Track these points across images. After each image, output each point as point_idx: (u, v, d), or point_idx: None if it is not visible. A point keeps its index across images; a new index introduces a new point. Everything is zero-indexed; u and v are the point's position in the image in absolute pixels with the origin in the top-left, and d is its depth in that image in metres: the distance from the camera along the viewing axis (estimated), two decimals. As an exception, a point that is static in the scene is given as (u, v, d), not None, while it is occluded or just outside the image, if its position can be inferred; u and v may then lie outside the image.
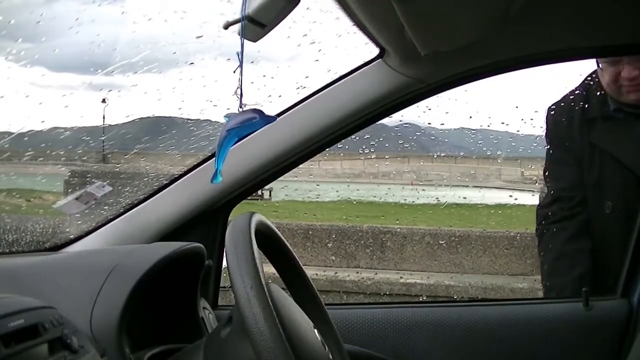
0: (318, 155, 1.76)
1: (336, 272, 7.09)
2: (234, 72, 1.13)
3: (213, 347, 1.15)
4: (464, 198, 9.91)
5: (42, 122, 2.80)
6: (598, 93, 2.13)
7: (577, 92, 2.20)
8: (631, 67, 1.99)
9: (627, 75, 2.00)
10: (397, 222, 8.11)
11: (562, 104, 2.21)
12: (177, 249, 1.38)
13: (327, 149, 1.76)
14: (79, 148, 3.46)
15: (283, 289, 1.24)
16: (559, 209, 2.17)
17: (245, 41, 1.16)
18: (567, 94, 2.22)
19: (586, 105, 2.15)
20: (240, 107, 1.13)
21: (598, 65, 2.09)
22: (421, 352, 1.75)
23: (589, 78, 2.17)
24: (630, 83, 2.02)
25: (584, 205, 2.15)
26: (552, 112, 2.23)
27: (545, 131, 2.26)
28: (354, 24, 1.40)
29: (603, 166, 2.11)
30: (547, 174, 2.30)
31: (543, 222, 2.22)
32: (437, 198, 9.69)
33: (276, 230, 1.26)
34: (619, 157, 2.09)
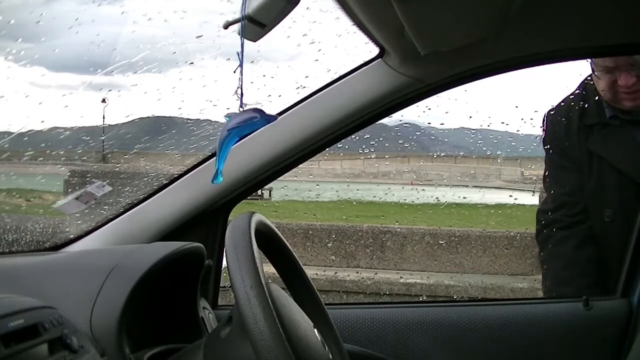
0: (318, 155, 1.76)
1: (336, 272, 7.09)
2: (234, 72, 1.13)
3: (213, 347, 1.15)
4: (464, 198, 9.92)
5: (42, 122, 2.79)
6: (595, 99, 2.11)
7: (575, 97, 2.17)
8: (628, 75, 1.97)
9: (624, 83, 1.98)
10: (397, 223, 8.11)
11: (561, 110, 2.19)
12: (177, 249, 1.38)
13: (327, 149, 1.76)
14: (79, 148, 3.45)
15: (283, 289, 1.24)
16: (564, 215, 2.14)
17: (245, 41, 1.16)
18: (565, 99, 2.20)
19: (584, 111, 2.13)
20: (241, 106, 1.13)
21: (593, 72, 2.07)
22: (421, 352, 1.75)
23: (587, 83, 2.15)
24: (627, 90, 2.00)
25: (587, 212, 2.13)
26: (551, 118, 2.20)
27: (543, 136, 2.24)
28: (354, 24, 1.40)
29: (602, 173, 2.09)
30: (547, 178, 2.27)
31: (546, 227, 2.19)
32: (437, 198, 9.71)
33: (276, 230, 1.26)
34: (616, 164, 2.06)
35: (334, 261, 7.57)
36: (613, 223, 2.06)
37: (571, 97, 2.19)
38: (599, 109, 2.11)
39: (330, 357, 1.18)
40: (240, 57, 1.14)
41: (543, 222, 2.20)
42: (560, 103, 2.21)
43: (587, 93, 2.14)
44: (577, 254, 2.11)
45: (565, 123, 2.16)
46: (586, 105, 2.13)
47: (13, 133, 2.51)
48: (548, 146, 2.22)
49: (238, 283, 0.98)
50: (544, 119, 2.23)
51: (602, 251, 2.10)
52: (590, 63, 2.06)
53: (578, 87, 2.18)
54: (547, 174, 2.27)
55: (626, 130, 2.08)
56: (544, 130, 2.23)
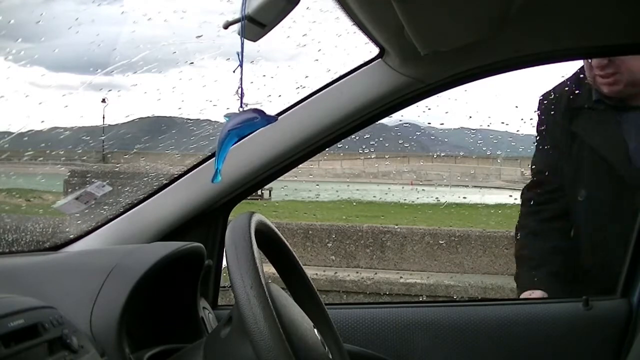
0: (318, 155, 1.76)
1: (336, 272, 7.09)
2: (234, 72, 1.13)
3: (213, 347, 1.15)
4: (464, 198, 9.92)
5: (42, 122, 2.80)
6: (586, 82, 2.15)
7: (567, 82, 2.22)
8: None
9: (596, 64, 2.01)
10: (397, 225, 8.11)
11: (553, 92, 2.24)
12: (177, 249, 1.38)
13: (327, 149, 1.76)
14: (79, 148, 3.46)
15: (283, 289, 1.24)
16: (538, 193, 2.23)
17: (245, 41, 1.16)
18: (559, 83, 2.25)
19: (574, 94, 2.17)
20: (241, 106, 1.13)
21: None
22: (421, 352, 1.75)
23: (580, 70, 2.19)
24: (601, 72, 2.03)
25: (562, 192, 2.20)
26: (543, 100, 2.25)
27: (537, 119, 2.29)
28: (354, 24, 1.40)
29: (581, 155, 2.14)
30: (533, 160, 2.34)
31: (524, 205, 2.27)
32: (437, 198, 9.71)
33: (276, 230, 1.26)
34: (596, 148, 2.11)
35: (334, 261, 7.57)
36: (586, 202, 2.12)
37: (564, 82, 2.23)
38: (588, 94, 2.15)
39: (330, 357, 1.18)
40: (240, 57, 1.14)
41: (523, 199, 2.28)
42: (554, 86, 2.25)
43: (579, 78, 2.18)
44: (544, 225, 2.19)
45: (554, 106, 2.21)
46: (577, 90, 2.17)
47: (13, 133, 2.52)
48: (538, 127, 2.27)
49: (238, 283, 0.98)
50: (538, 101, 2.27)
51: (574, 229, 2.17)
52: None
53: (573, 73, 2.22)
54: (534, 155, 2.34)
55: (609, 115, 2.12)
56: (537, 112, 2.27)
